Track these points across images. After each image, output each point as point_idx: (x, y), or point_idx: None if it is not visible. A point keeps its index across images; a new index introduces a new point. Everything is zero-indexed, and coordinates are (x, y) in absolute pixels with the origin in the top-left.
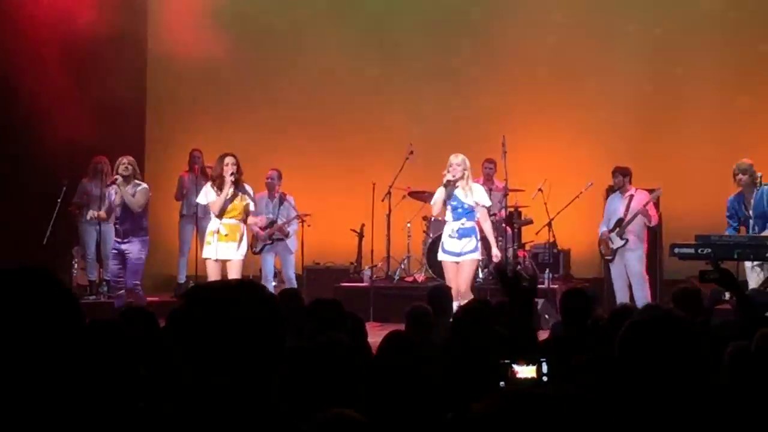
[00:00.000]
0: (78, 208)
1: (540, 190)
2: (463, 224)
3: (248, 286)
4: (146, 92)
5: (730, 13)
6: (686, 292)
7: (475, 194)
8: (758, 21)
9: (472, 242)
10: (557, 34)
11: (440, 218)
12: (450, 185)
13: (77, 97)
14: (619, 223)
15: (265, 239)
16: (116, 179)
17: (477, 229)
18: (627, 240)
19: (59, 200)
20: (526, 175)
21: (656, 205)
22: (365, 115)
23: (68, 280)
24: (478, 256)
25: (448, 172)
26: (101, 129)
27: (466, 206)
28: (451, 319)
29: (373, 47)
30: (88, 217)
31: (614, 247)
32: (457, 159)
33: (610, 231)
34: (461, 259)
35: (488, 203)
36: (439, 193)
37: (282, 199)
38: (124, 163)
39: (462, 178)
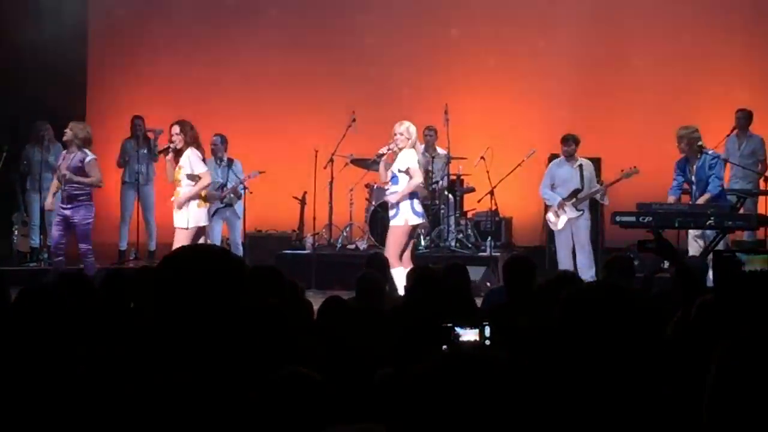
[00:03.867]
0: (23, 175)
1: (482, 158)
2: (388, 189)
3: (219, 250)
4: (87, 57)
5: None
6: (618, 260)
7: (397, 161)
8: None
9: (394, 209)
10: (501, 3)
11: (382, 185)
12: (379, 158)
13: (16, 62)
14: (576, 193)
15: (218, 200)
16: (73, 138)
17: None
18: (583, 211)
19: None
20: (469, 143)
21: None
22: (306, 81)
23: (8, 247)
24: (398, 222)
25: (392, 141)
26: (42, 95)
27: (393, 172)
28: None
29: (315, 13)
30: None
31: (568, 216)
32: (400, 128)
33: (566, 200)
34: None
35: (406, 166)
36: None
37: (230, 164)
38: (67, 132)
39: (403, 147)
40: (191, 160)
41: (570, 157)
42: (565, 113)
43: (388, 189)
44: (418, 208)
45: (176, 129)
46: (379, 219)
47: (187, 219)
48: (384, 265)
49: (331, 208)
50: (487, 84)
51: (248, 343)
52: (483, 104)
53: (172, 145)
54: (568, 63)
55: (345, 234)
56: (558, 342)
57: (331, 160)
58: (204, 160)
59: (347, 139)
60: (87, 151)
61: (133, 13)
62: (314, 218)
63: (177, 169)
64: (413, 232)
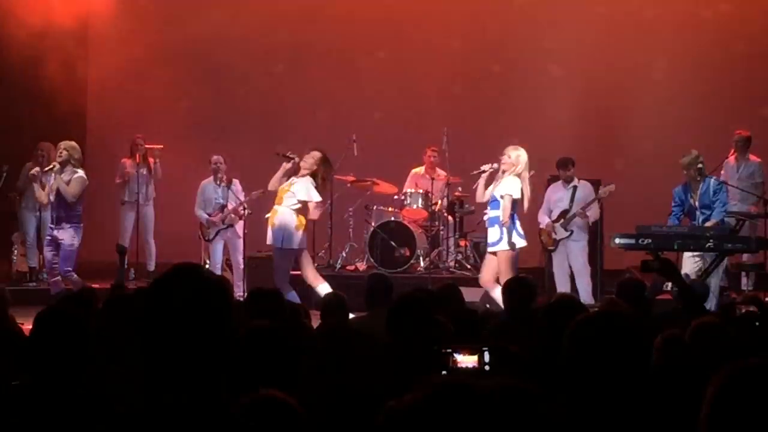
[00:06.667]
0: (20, 193)
1: None
2: (487, 214)
3: (196, 270)
4: (88, 77)
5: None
6: (631, 284)
7: (500, 185)
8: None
9: (495, 232)
10: (498, 23)
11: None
12: (478, 174)
13: (17, 83)
14: (564, 214)
15: (219, 224)
16: (53, 166)
17: (502, 219)
18: (572, 231)
19: None
20: (469, 164)
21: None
22: (307, 103)
23: (8, 266)
24: (502, 246)
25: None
26: (42, 115)
27: (494, 196)
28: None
29: (315, 36)
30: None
31: (558, 237)
32: (510, 152)
33: (554, 221)
34: (491, 249)
35: (507, 192)
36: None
37: (229, 184)
38: (61, 148)
39: (508, 171)
40: (309, 188)
41: (567, 180)
42: (564, 135)
43: (486, 211)
44: (521, 230)
45: (317, 155)
46: (378, 240)
47: (281, 239)
48: (389, 284)
49: (330, 229)
50: (487, 106)
51: (235, 365)
52: (482, 127)
53: (298, 159)
54: (569, 87)
55: (344, 255)
56: (564, 370)
57: (331, 182)
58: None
59: (347, 160)
60: (78, 170)
61: (132, 34)
62: (314, 239)
63: (287, 185)
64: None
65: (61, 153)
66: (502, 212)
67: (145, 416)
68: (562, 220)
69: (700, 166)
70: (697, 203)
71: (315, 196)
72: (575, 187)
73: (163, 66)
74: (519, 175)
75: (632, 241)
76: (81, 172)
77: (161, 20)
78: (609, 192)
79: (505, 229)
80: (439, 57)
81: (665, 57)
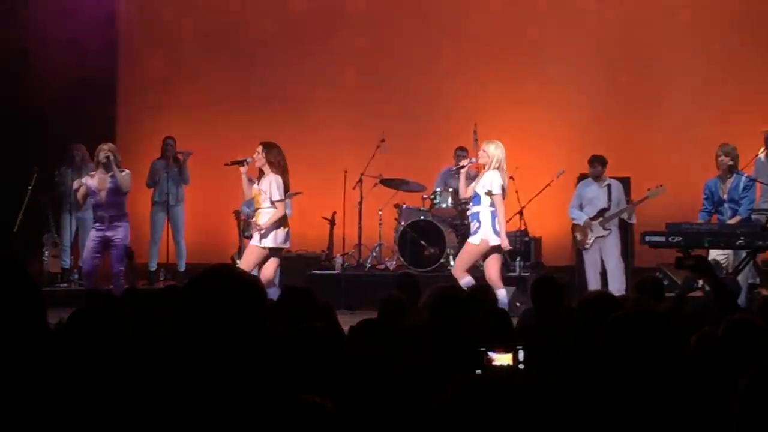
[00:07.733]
0: (56, 196)
1: (511, 177)
2: (470, 209)
3: (231, 271)
4: (117, 79)
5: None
6: (649, 282)
7: (481, 181)
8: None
9: (474, 226)
10: (530, 22)
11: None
12: (458, 170)
13: (46, 87)
14: (602, 212)
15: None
16: (109, 156)
17: (484, 214)
18: (610, 230)
19: (30, 188)
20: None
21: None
22: (337, 103)
23: (38, 267)
24: (474, 240)
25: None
26: (72, 116)
27: (476, 191)
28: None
29: (348, 39)
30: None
31: (595, 236)
32: (486, 146)
33: (592, 219)
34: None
35: (494, 189)
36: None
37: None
38: (104, 150)
39: (487, 165)
40: (271, 187)
41: (597, 178)
42: (594, 133)
43: (469, 207)
44: (499, 228)
45: (259, 149)
46: (408, 239)
47: (275, 238)
48: (414, 285)
49: (360, 228)
50: (516, 104)
51: (270, 367)
52: (512, 124)
53: (249, 159)
54: (597, 84)
55: (374, 254)
56: (598, 367)
57: (360, 181)
58: (287, 188)
59: (376, 158)
60: (122, 168)
61: (163, 35)
62: (344, 238)
63: (258, 191)
64: (491, 251)
65: (107, 154)
66: (497, 210)
67: (176, 416)
68: (600, 219)
69: (731, 163)
70: (725, 196)
71: (275, 195)
72: (609, 185)
73: (192, 66)
74: (498, 168)
75: (662, 239)
76: (127, 170)
77: (190, 20)
78: (658, 194)
79: (483, 223)
80: (467, 54)
81: (692, 46)
